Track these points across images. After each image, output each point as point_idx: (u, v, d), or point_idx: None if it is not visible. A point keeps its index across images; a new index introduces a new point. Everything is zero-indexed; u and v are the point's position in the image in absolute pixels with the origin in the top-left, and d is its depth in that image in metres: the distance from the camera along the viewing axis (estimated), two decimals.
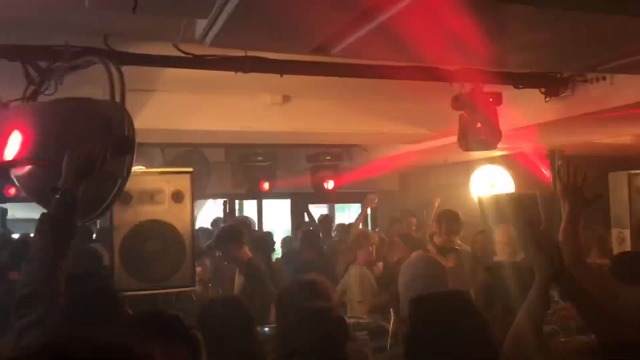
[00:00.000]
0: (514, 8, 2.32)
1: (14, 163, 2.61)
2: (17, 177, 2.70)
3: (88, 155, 2.20)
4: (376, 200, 7.58)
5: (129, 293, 3.41)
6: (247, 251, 4.90)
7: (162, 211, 3.76)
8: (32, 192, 2.70)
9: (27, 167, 2.64)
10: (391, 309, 4.71)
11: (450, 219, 5.04)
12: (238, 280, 5.09)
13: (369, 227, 10.37)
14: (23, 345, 1.53)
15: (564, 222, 2.61)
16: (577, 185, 2.60)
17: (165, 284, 3.73)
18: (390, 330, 4.63)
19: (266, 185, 7.29)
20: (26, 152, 2.58)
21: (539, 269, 2.09)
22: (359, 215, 7.53)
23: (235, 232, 5.00)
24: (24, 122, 2.63)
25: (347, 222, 8.39)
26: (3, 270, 4.77)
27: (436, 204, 7.00)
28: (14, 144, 2.58)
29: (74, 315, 2.06)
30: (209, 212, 10.18)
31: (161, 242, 3.72)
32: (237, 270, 5.11)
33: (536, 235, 2.19)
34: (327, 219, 8.86)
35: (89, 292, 2.32)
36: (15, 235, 8.01)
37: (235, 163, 7.81)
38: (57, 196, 2.15)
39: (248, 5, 2.19)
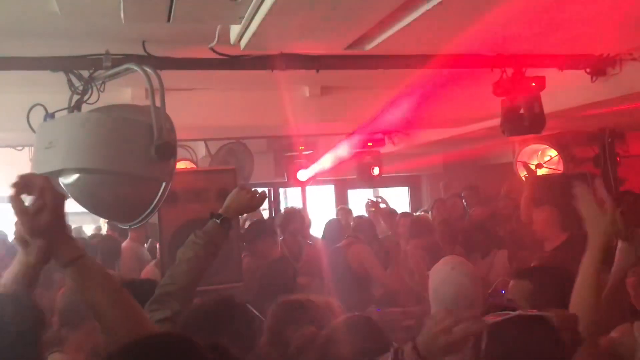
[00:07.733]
0: None
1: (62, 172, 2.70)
2: (66, 185, 2.80)
3: (252, 200, 2.49)
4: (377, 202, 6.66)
5: None
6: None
7: (208, 209, 3.82)
8: (80, 199, 2.82)
9: (75, 176, 2.74)
10: None
11: None
12: None
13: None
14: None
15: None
16: None
17: (214, 281, 3.81)
18: None
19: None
20: None
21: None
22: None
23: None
24: (71, 132, 2.71)
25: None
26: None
27: None
28: None
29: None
30: None
31: None
32: None
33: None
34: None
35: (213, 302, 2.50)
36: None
37: (277, 152, 7.87)
38: (218, 221, 2.40)
39: (279, 10, 2.18)
